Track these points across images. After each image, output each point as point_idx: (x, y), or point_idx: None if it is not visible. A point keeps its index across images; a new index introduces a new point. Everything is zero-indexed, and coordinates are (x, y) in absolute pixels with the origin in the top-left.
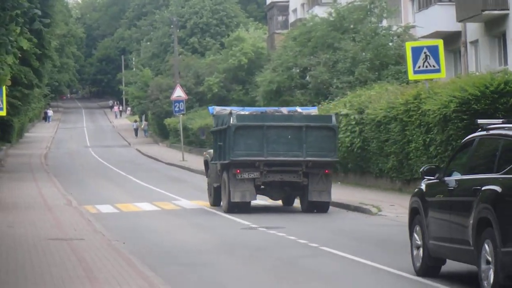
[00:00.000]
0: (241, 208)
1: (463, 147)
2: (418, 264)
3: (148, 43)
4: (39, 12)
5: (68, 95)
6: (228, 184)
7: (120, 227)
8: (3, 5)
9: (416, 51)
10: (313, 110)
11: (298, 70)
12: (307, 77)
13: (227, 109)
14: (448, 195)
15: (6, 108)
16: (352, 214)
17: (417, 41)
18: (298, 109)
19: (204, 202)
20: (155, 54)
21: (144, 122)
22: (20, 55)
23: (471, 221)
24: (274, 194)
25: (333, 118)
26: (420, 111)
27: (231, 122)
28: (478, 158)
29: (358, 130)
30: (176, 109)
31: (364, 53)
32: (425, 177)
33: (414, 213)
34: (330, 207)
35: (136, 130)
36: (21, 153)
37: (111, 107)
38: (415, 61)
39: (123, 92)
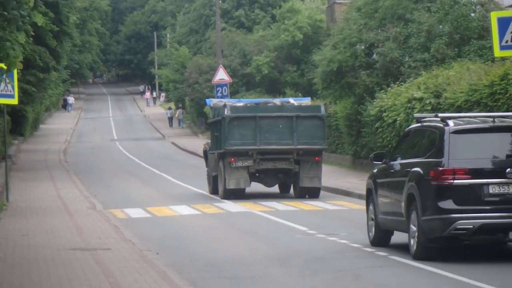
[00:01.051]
0: (236, 194)
1: (404, 136)
2: (371, 235)
3: (185, 16)
4: None
5: (91, 80)
6: (223, 172)
7: (153, 234)
8: None
9: (503, 23)
10: (306, 101)
11: (363, 47)
12: (374, 55)
13: (223, 101)
14: (391, 177)
15: (18, 96)
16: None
17: (504, 10)
18: (291, 100)
19: (252, 205)
20: (193, 29)
21: (178, 110)
22: (33, 33)
23: (403, 197)
24: (268, 181)
25: (322, 108)
26: (507, 95)
27: (225, 113)
28: (413, 146)
29: None
30: (219, 94)
31: (441, 26)
32: (374, 162)
33: (368, 193)
34: None
35: (170, 119)
36: (36, 148)
37: (142, 93)
38: (502, 35)
39: (156, 76)
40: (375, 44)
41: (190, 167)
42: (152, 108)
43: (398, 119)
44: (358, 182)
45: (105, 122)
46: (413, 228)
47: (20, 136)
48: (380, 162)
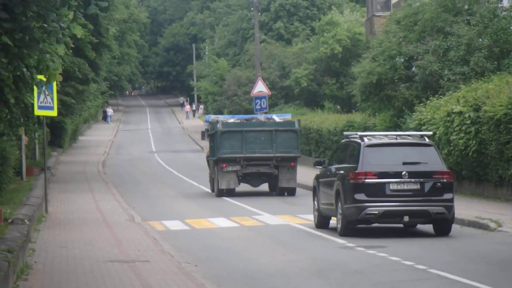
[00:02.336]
0: (228, 193)
1: (337, 148)
2: (315, 221)
3: (224, 28)
4: None
5: (128, 92)
6: (217, 175)
7: (191, 247)
8: None
9: None
10: (287, 117)
11: (402, 60)
12: (413, 68)
13: (220, 117)
14: (327, 177)
15: (57, 108)
16: (466, 229)
17: None
18: (274, 116)
19: (291, 217)
20: (232, 42)
21: None
22: (73, 45)
23: (334, 191)
24: (253, 182)
25: (296, 124)
26: None
27: (218, 128)
28: (342, 155)
29: (474, 131)
30: (258, 106)
31: (480, 39)
32: (316, 166)
33: (314, 190)
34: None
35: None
36: (74, 160)
37: (182, 105)
38: None
39: (195, 88)
40: (415, 57)
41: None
42: (191, 120)
43: (438, 132)
44: None
45: (143, 134)
46: (339, 214)
47: (59, 147)
48: (321, 167)
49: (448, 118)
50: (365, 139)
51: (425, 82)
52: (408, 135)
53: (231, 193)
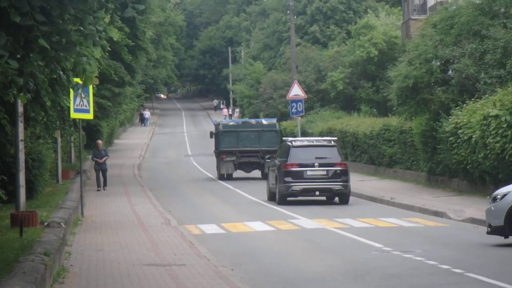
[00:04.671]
0: (228, 177)
1: (279, 148)
2: (267, 196)
3: (260, 31)
4: None
5: (162, 95)
6: (219, 164)
7: (228, 250)
8: None
9: None
10: (273, 121)
11: (438, 63)
12: (450, 71)
13: (224, 121)
14: (273, 167)
15: (94, 111)
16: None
17: None
18: (263, 120)
19: (327, 221)
20: (267, 44)
21: None
22: (109, 48)
23: (275, 175)
24: (245, 169)
25: (277, 126)
26: None
27: (220, 128)
28: (280, 152)
29: (511, 134)
30: (294, 110)
31: None
32: (266, 160)
33: (266, 174)
34: (475, 227)
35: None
36: (110, 163)
37: (216, 108)
38: None
39: (231, 91)
40: (451, 60)
41: (265, 183)
42: None
43: (474, 136)
44: (434, 199)
45: (179, 137)
46: (277, 190)
47: None
48: (269, 160)
49: (485, 122)
50: (293, 142)
51: (461, 86)
52: (321, 139)
53: (230, 177)
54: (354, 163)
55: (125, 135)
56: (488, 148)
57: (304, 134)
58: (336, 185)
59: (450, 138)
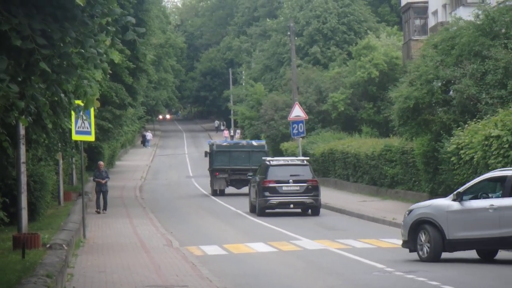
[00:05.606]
0: (220, 192)
1: (259, 167)
2: (249, 209)
3: (261, 53)
4: (133, 20)
5: (161, 116)
6: (212, 180)
7: (230, 272)
8: (91, 12)
9: None
10: (262, 142)
11: (439, 84)
12: (451, 92)
13: (217, 141)
14: (254, 183)
15: (95, 132)
16: (504, 254)
17: None
18: (253, 142)
19: (330, 242)
20: (268, 66)
21: None
22: (110, 71)
23: (255, 190)
24: (236, 185)
25: (265, 147)
26: None
27: (213, 148)
28: (259, 170)
29: None
30: (295, 131)
31: None
32: (248, 176)
33: (249, 190)
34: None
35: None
36: (112, 185)
37: (217, 129)
38: None
39: (232, 111)
40: (452, 81)
41: None
42: None
43: (475, 156)
44: None
45: (180, 158)
46: (257, 203)
47: None
48: (251, 177)
49: (486, 142)
50: (271, 161)
51: (462, 106)
52: (295, 159)
53: (222, 192)
54: (355, 184)
55: (126, 156)
56: (490, 168)
57: (305, 155)
58: (308, 199)
59: (452, 159)
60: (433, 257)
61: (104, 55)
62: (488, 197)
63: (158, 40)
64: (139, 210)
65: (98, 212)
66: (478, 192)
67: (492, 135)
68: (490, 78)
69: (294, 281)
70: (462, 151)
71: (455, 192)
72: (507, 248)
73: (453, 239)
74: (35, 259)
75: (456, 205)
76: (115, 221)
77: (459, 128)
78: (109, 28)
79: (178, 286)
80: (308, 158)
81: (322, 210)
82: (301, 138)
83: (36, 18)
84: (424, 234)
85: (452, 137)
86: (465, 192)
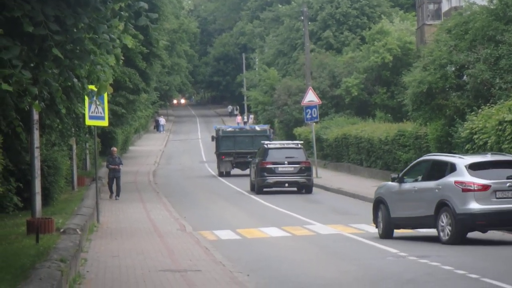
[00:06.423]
0: (226, 174)
1: (258, 150)
2: (250, 188)
3: (274, 38)
4: (146, 6)
5: (180, 101)
6: (219, 163)
7: (243, 256)
8: None
9: None
10: (265, 127)
11: (453, 69)
12: (465, 77)
13: (223, 127)
14: (253, 164)
15: (108, 118)
16: None
17: None
18: (256, 127)
19: (343, 227)
20: (281, 51)
21: None
22: (123, 57)
23: (253, 171)
24: (241, 167)
25: (268, 131)
26: None
27: (219, 134)
28: (259, 152)
29: None
30: (308, 116)
31: None
32: (248, 158)
33: (250, 171)
34: (492, 233)
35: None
36: (125, 170)
37: (231, 113)
38: None
39: (245, 97)
40: (466, 66)
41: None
42: None
43: (489, 141)
44: None
45: (194, 143)
46: (256, 183)
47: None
48: (251, 159)
49: (500, 127)
50: (269, 145)
51: (476, 91)
52: (291, 143)
53: (228, 174)
54: (369, 169)
55: (140, 142)
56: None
57: (319, 140)
58: (301, 179)
59: (466, 144)
60: (385, 235)
61: (117, 41)
62: (417, 180)
63: (172, 25)
64: (153, 195)
65: (111, 198)
66: (416, 175)
67: (506, 119)
68: (503, 63)
69: (307, 266)
70: (475, 136)
71: (400, 175)
72: (427, 227)
73: (394, 217)
74: (49, 244)
75: (397, 187)
76: (129, 206)
77: (473, 113)
78: (122, 13)
79: (192, 271)
80: (302, 142)
81: (335, 195)
82: (314, 123)
83: (49, 4)
84: (380, 212)
85: (465, 122)
86: (404, 174)
